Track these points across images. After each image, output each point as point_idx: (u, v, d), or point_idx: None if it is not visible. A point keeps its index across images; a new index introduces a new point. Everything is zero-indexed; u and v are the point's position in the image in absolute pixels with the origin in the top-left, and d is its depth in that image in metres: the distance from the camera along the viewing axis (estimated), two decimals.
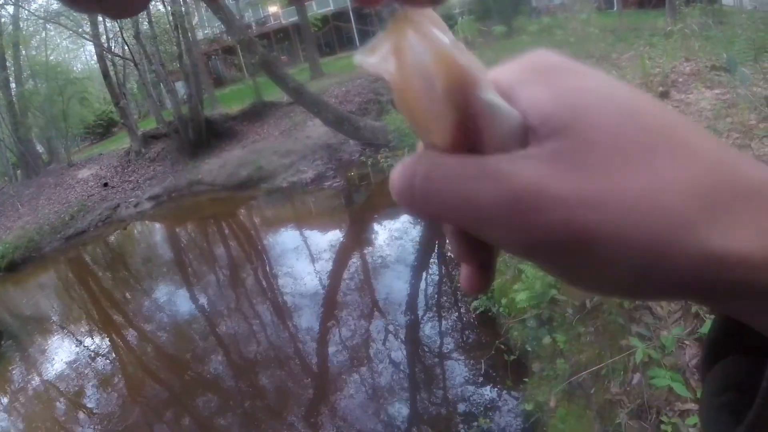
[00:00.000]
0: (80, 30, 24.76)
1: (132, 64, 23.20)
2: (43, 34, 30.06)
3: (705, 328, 3.32)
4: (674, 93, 6.16)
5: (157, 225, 17.31)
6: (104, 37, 24.36)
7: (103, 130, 37.78)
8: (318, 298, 8.68)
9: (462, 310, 7.12)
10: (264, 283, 10.14)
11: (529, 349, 5.09)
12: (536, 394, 4.63)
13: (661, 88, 6.32)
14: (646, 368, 3.63)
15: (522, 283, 5.23)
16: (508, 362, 5.25)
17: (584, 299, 4.44)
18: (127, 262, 14.41)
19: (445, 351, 6.43)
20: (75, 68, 38.27)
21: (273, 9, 40.54)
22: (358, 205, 13.38)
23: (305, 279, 9.35)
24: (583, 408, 4.11)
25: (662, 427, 3.33)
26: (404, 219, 10.88)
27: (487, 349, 5.77)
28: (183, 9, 21.78)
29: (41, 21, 26.80)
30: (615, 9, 22.69)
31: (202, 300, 10.05)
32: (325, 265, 9.80)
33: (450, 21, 25.82)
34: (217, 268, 11.73)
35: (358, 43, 38.27)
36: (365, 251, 10.14)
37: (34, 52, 30.35)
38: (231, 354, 7.76)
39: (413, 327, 7.10)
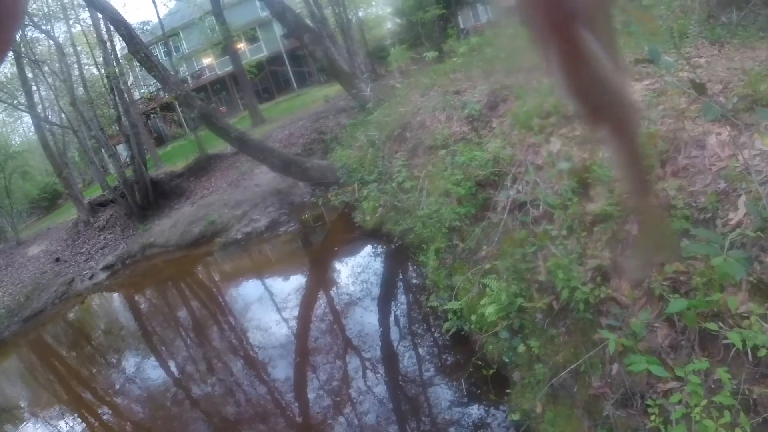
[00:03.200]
0: (15, 102, 24.37)
1: (71, 132, 22.84)
2: None
3: (671, 308, 3.38)
4: None
5: (115, 295, 16.84)
6: (40, 106, 23.99)
7: (48, 203, 36.92)
8: (290, 345, 8.53)
9: (435, 334, 7.09)
10: (232, 339, 9.90)
11: (506, 360, 5.10)
12: (521, 403, 4.62)
13: None
14: (622, 357, 3.67)
15: (488, 297, 5.26)
16: (488, 376, 5.24)
17: None
18: (90, 337, 13.97)
19: (425, 377, 6.36)
20: (13, 142, 37.69)
21: (207, 60, 40.66)
22: (317, 246, 13.30)
23: (274, 329, 9.18)
24: (569, 408, 4.12)
25: (649, 410, 3.36)
26: (364, 253, 10.86)
27: (465, 368, 5.75)
28: (117, 70, 21.59)
29: None
30: None
31: (172, 365, 9.76)
32: (292, 311, 9.66)
33: (382, 52, 26.36)
34: (182, 331, 11.46)
35: (295, 86, 38.58)
36: (330, 291, 10.06)
37: None
38: (210, 416, 7.52)
39: (389, 359, 7.03)
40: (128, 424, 8.39)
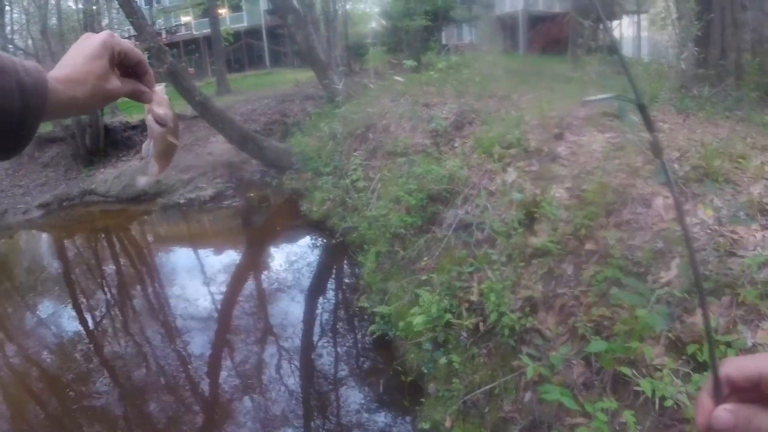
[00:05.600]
0: None
1: (35, 61, 22.00)
2: None
3: (591, 348, 3.52)
4: (568, 135, 6.51)
5: (45, 235, 16.28)
6: (9, 28, 23.06)
7: None
8: (210, 321, 8.39)
9: (359, 335, 7.14)
10: (154, 303, 9.66)
11: (425, 370, 5.19)
12: (433, 414, 4.70)
13: (556, 130, 6.67)
14: (537, 386, 3.79)
15: (419, 307, 5.34)
16: (405, 383, 5.31)
17: None
18: (11, 272, 13.49)
19: (342, 375, 6.38)
20: None
21: (186, 18, 39.86)
22: (257, 227, 13.19)
23: (198, 300, 9.00)
24: (477, 426, 4.22)
25: None
26: (302, 243, 10.84)
27: (383, 372, 5.81)
28: (95, 8, 20.90)
29: None
30: (520, 52, 23.82)
31: (88, 318, 9.43)
32: (220, 287, 9.50)
33: (361, 50, 26.36)
34: (106, 285, 11.14)
35: (268, 63, 38.18)
36: (261, 274, 9.97)
37: None
38: (117, 377, 7.26)
39: (309, 352, 7.02)
40: (29, 366, 8.10)
